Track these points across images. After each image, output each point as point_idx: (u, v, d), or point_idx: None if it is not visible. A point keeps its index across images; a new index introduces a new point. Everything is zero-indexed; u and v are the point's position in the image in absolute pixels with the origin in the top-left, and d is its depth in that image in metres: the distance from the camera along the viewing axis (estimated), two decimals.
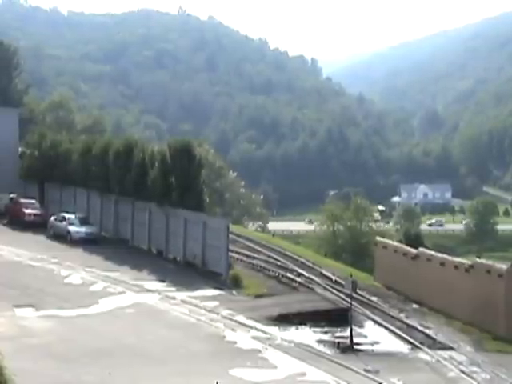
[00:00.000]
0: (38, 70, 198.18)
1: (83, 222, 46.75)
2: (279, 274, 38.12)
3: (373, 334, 29.49)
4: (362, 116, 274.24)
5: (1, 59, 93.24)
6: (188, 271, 39.11)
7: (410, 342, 28.33)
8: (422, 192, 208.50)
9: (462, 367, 25.82)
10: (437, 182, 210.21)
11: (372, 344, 28.22)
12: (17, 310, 29.32)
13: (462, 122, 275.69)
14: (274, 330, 28.84)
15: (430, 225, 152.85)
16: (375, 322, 30.95)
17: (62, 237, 45.40)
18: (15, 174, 55.69)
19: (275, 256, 42.55)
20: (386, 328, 30.13)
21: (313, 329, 29.51)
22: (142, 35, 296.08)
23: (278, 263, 40.63)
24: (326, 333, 29.05)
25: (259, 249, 44.90)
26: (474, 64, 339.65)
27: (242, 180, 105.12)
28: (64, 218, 46.53)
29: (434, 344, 28.41)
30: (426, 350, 27.58)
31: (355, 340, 27.65)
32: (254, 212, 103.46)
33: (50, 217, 48.01)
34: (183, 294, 33.50)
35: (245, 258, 41.79)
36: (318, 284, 35.93)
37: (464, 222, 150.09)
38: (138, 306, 31.37)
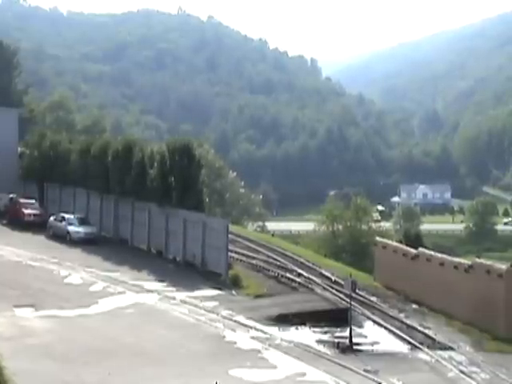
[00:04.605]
0: (37, 70, 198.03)
1: (82, 222, 46.75)
2: (279, 274, 38.10)
3: (372, 334, 29.50)
4: (361, 116, 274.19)
5: (1, 59, 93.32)
6: (188, 271, 39.10)
7: (409, 342, 28.34)
8: (421, 192, 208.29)
9: (461, 367, 25.83)
10: (436, 182, 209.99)
11: (372, 344, 28.23)
12: (17, 310, 29.35)
13: (461, 122, 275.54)
14: (273, 330, 28.85)
15: None
16: (375, 322, 30.96)
17: (62, 237, 45.39)
18: (15, 174, 55.72)
19: (275, 256, 42.49)
20: (386, 328, 30.13)
21: (312, 329, 29.52)
22: (142, 35, 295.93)
23: (278, 263, 40.59)
24: (325, 333, 29.06)
25: (259, 249, 44.84)
26: (474, 64, 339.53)
27: (242, 180, 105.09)
28: (63, 218, 46.52)
29: (434, 344, 28.41)
30: (426, 350, 27.59)
31: (355, 340, 27.65)
32: (253, 212, 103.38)
33: (50, 217, 48.01)
34: (183, 294, 33.51)
35: (244, 258, 41.76)
36: (318, 284, 35.92)
37: (463, 224, 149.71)
38: (138, 306, 31.38)
